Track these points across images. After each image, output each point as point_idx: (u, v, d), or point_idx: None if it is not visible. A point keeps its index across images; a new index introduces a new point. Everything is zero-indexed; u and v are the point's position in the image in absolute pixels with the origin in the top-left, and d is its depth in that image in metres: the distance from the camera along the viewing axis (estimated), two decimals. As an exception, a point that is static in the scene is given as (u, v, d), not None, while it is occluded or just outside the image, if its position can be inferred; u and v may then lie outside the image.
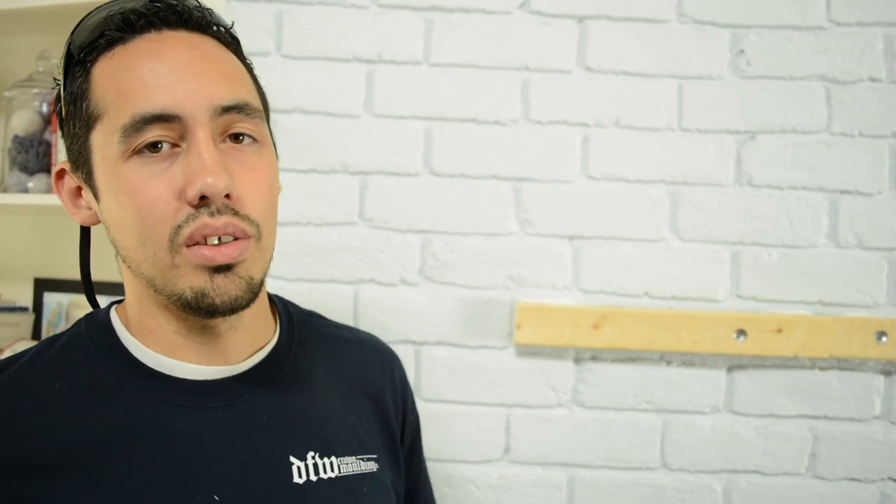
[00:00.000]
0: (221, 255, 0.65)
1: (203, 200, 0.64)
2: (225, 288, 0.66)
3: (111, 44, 0.68)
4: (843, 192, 1.19)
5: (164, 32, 0.68)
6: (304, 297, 1.19)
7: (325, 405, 0.78)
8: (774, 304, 1.19)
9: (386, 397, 0.87)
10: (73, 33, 0.70)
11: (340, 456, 0.75)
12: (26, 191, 1.44)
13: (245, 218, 0.66)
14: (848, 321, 1.16)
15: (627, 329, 1.16)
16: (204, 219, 0.64)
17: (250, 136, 0.69)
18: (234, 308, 0.67)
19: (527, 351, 1.20)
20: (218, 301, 0.66)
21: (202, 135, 0.65)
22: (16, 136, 1.45)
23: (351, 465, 0.76)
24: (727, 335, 1.16)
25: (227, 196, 0.65)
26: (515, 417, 1.20)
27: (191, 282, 0.66)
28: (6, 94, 1.47)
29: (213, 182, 0.63)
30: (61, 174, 0.74)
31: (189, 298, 0.66)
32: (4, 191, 1.47)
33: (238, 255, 0.66)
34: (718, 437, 1.19)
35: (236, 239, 0.66)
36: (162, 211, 0.64)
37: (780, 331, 1.16)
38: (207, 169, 0.63)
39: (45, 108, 1.45)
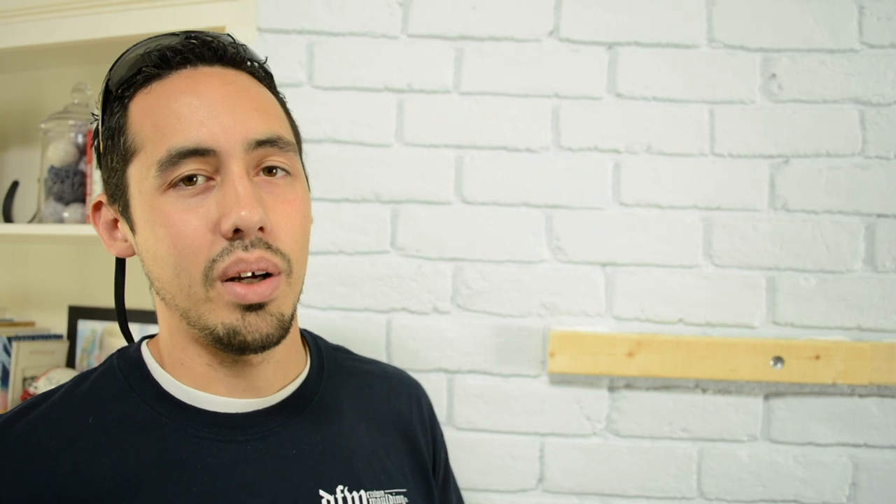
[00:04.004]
0: (254, 294, 0.66)
1: (237, 233, 0.65)
2: (256, 326, 0.66)
3: (148, 80, 0.69)
4: (879, 215, 1.18)
5: (200, 68, 0.70)
6: (337, 325, 1.19)
7: (353, 439, 0.78)
8: (812, 331, 1.18)
9: (415, 430, 0.87)
10: (111, 70, 0.71)
11: (370, 490, 0.75)
12: (62, 221, 1.47)
13: (277, 252, 0.67)
14: (888, 347, 1.14)
15: (662, 357, 1.15)
16: (238, 253, 0.65)
17: (283, 170, 0.70)
18: (266, 345, 0.68)
19: (560, 379, 1.19)
20: (249, 339, 0.67)
21: (237, 168, 0.66)
22: (52, 167, 1.48)
23: (380, 500, 0.76)
24: (764, 362, 1.14)
25: (261, 229, 0.66)
26: (549, 446, 1.19)
27: (223, 318, 0.66)
28: (42, 125, 1.50)
29: (247, 215, 0.64)
30: (98, 206, 0.75)
31: (221, 335, 0.67)
32: (40, 220, 1.50)
33: (270, 294, 0.66)
34: (756, 465, 1.17)
35: (268, 275, 0.67)
36: (197, 244, 0.65)
37: (818, 357, 1.14)
38: (242, 202, 0.64)
39: (80, 140, 1.48)
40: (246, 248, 0.65)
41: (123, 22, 1.34)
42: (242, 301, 0.65)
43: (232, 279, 0.65)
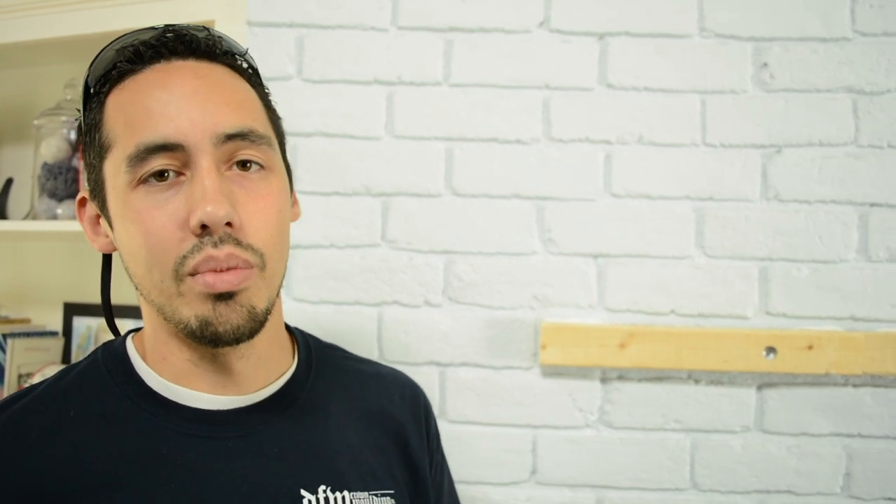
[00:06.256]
0: (222, 283, 0.65)
1: (205, 229, 0.64)
2: (227, 317, 0.66)
3: (123, 75, 0.69)
4: (872, 205, 1.17)
5: (173, 62, 0.69)
6: (328, 319, 1.19)
7: (339, 439, 0.77)
8: (805, 321, 1.17)
9: (407, 431, 0.86)
10: (90, 66, 0.71)
11: (353, 491, 0.74)
12: (55, 217, 1.47)
13: (248, 248, 0.66)
14: (881, 337, 1.14)
15: (654, 348, 1.15)
16: (208, 250, 0.64)
17: (257, 163, 0.69)
18: (238, 337, 0.67)
19: (552, 371, 1.19)
20: (220, 329, 0.66)
21: (205, 163, 0.65)
22: (45, 164, 1.48)
23: (364, 501, 0.75)
24: (756, 353, 1.14)
25: (230, 224, 0.65)
26: (542, 438, 1.19)
27: (195, 310, 0.66)
28: (35, 122, 1.50)
29: (212, 210, 0.63)
30: (83, 202, 0.75)
31: (194, 327, 0.66)
32: (34, 217, 1.50)
33: (239, 283, 0.66)
34: (750, 456, 1.17)
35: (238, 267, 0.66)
36: (166, 240, 0.65)
37: (811, 348, 1.14)
38: (208, 197, 0.63)
39: (72, 136, 1.48)
40: (215, 245, 0.64)
41: (116, 17, 1.34)
42: (211, 290, 0.65)
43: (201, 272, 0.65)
